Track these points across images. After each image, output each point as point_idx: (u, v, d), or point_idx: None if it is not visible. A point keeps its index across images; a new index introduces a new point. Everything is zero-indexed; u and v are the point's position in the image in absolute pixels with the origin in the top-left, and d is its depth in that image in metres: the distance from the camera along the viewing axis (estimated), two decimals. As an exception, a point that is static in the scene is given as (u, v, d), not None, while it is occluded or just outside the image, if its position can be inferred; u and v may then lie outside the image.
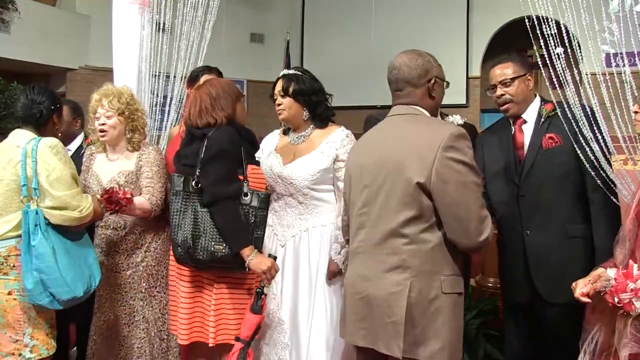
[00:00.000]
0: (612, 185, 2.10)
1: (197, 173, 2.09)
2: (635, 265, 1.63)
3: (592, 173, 2.10)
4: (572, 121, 2.15)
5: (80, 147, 3.10)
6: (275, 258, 2.16)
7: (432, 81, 1.82)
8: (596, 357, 1.76)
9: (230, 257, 2.07)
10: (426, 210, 1.70)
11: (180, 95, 3.00)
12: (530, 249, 2.23)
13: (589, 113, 2.14)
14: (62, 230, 2.05)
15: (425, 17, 8.86)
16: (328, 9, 9.71)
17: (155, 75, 2.97)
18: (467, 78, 8.71)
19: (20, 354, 1.97)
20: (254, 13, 9.48)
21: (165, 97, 3.03)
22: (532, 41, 2.22)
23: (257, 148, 2.33)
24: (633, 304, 1.59)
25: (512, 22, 8.19)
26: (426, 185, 1.67)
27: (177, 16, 2.96)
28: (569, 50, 2.18)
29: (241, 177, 2.13)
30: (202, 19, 2.99)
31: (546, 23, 2.18)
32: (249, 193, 2.11)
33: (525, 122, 2.32)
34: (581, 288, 1.74)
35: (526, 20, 2.20)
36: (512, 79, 2.27)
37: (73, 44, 7.60)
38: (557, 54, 2.17)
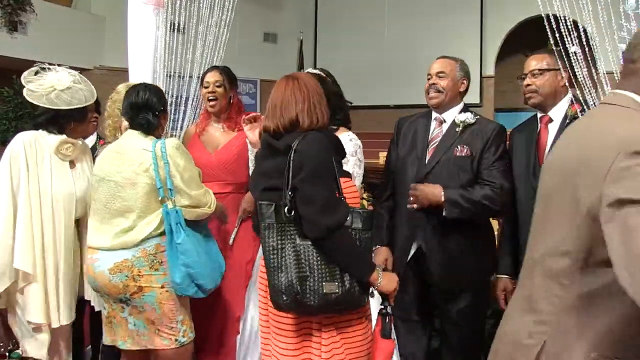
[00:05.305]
0: None
1: (289, 197, 1.70)
2: None
3: None
4: None
5: (94, 148, 3.00)
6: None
7: None
8: None
9: (345, 296, 1.71)
10: (591, 245, 1.10)
11: (196, 95, 3.02)
12: None
13: None
14: (193, 225, 2.21)
15: (439, 17, 8.83)
16: (341, 8, 9.72)
17: (170, 75, 2.99)
18: (481, 77, 8.66)
19: (176, 339, 2.19)
20: (267, 13, 9.52)
21: (180, 97, 3.05)
22: (553, 39, 2.18)
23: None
24: None
25: (526, 21, 8.13)
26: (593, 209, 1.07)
27: (192, 16, 2.99)
28: (586, 49, 2.15)
29: (337, 195, 1.76)
30: (218, 20, 3.01)
31: (562, 22, 2.15)
32: (349, 213, 1.74)
33: (551, 120, 2.25)
34: None
35: (548, 18, 2.17)
36: (541, 71, 2.21)
37: (88, 45, 7.69)
38: (574, 52, 2.15)
